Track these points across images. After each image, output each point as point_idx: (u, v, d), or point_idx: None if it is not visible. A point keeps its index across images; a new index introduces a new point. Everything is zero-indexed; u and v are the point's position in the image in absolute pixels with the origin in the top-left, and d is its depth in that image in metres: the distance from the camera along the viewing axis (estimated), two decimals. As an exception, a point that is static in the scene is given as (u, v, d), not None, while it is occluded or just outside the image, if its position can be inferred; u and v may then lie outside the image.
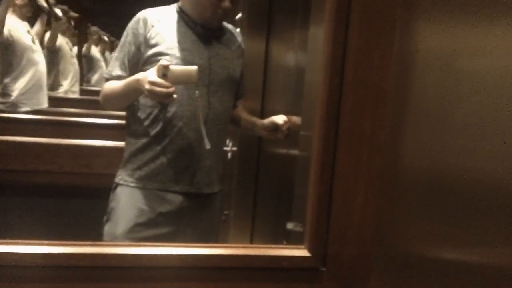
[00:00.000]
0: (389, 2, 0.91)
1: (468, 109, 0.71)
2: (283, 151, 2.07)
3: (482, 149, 0.67)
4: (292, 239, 1.20)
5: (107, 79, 1.76)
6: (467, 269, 0.70)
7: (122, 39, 1.75)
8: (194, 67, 1.53)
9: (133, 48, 1.70)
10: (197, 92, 1.64)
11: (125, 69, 1.72)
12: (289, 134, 1.78)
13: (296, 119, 1.75)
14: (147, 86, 1.51)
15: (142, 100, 1.70)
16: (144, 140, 1.72)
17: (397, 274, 0.94)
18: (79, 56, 5.72)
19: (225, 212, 2.30)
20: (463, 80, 0.73)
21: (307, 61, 1.24)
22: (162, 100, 1.60)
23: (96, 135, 2.77)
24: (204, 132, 1.65)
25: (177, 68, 1.54)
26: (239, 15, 2.20)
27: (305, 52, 1.77)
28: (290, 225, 1.06)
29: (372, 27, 0.91)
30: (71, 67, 4.94)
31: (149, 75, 1.53)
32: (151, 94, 1.53)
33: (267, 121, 1.84)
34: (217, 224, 1.88)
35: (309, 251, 1.02)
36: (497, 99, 0.63)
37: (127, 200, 1.71)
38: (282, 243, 1.81)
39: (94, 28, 6.32)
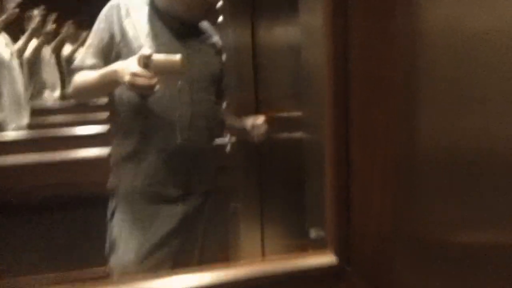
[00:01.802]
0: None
1: (485, 84, 0.62)
2: (285, 136, 1.97)
3: (501, 127, 0.58)
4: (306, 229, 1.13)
5: (79, 69, 1.59)
6: (492, 251, 0.64)
7: (95, 26, 1.59)
8: (178, 56, 1.39)
9: (106, 36, 1.55)
10: (179, 82, 1.52)
11: (97, 57, 1.56)
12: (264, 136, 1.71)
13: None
14: (127, 78, 1.36)
15: (119, 97, 1.57)
16: (129, 143, 1.60)
17: (419, 263, 0.87)
18: (59, 61, 5.52)
19: (233, 204, 2.22)
20: (477, 54, 0.64)
21: (302, 46, 1.14)
22: (144, 92, 1.44)
23: (83, 143, 2.66)
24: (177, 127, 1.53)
25: (160, 57, 1.38)
26: (219, 4, 2.07)
27: (295, 35, 1.66)
28: (312, 233, 0.98)
29: (371, 14, 0.81)
30: (52, 74, 4.78)
31: (130, 65, 1.38)
32: (132, 86, 1.37)
33: (243, 122, 1.78)
34: (220, 219, 1.78)
35: (335, 253, 0.95)
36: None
37: (129, 224, 1.59)
38: (294, 234, 1.74)
39: (69, 28, 6.03)
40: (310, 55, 1.02)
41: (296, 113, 1.66)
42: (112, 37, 1.54)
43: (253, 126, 1.71)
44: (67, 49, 5.58)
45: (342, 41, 0.78)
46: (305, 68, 1.07)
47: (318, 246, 0.98)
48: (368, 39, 0.79)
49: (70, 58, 5.62)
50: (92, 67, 1.56)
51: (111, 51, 1.55)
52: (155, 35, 1.54)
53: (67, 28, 5.34)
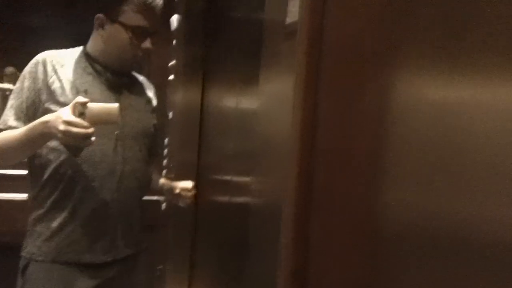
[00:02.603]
0: (358, 62, 0.81)
1: (454, 162, 0.62)
2: (222, 199, 1.92)
3: (468, 206, 0.58)
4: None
5: (1, 130, 1.42)
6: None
7: (18, 84, 1.45)
8: (115, 105, 1.31)
9: (31, 95, 1.41)
10: (116, 133, 1.43)
11: (21, 119, 1.42)
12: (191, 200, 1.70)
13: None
14: (61, 127, 1.24)
15: (45, 156, 1.42)
16: (48, 205, 1.44)
17: None
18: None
19: (159, 267, 2.10)
20: (447, 131, 0.64)
21: (261, 114, 1.12)
22: (79, 144, 1.31)
23: (15, 187, 2.46)
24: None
25: (96, 105, 1.29)
26: (172, 63, 2.05)
27: (245, 101, 1.66)
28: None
29: (340, 88, 0.81)
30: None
31: (64, 114, 1.26)
32: (67, 136, 1.25)
33: (172, 184, 1.73)
34: (140, 284, 1.64)
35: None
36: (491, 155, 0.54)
37: (43, 284, 1.42)
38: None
39: (10, 69, 5.85)
40: (270, 123, 1.00)
41: (241, 179, 1.62)
42: (37, 95, 1.41)
43: (181, 190, 1.66)
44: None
45: (311, 112, 0.77)
46: (262, 136, 1.05)
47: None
48: (336, 112, 0.79)
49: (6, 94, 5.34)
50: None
51: (36, 110, 1.41)
52: (85, 90, 1.41)
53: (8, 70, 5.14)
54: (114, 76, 1.50)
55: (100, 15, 1.46)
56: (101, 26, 1.47)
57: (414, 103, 0.69)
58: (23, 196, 2.29)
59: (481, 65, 0.57)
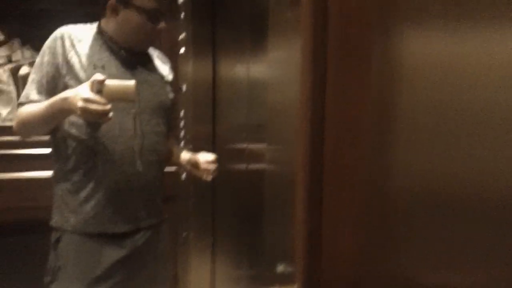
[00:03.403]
0: (363, 26, 0.80)
1: (461, 127, 0.61)
2: (239, 167, 1.94)
3: (473, 167, 0.57)
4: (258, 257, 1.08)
5: (23, 103, 1.46)
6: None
7: (38, 59, 1.47)
8: (132, 82, 1.32)
9: (51, 69, 1.43)
10: (133, 111, 1.44)
11: (43, 92, 1.44)
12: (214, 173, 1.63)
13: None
14: (80, 104, 1.26)
15: (67, 130, 1.45)
16: (74, 178, 1.47)
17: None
18: (16, 80, 5.27)
19: (185, 233, 2.14)
20: (452, 96, 0.63)
21: (270, 82, 1.11)
22: (97, 120, 1.33)
23: (39, 165, 2.50)
24: (137, 153, 1.46)
25: (113, 82, 1.30)
26: (182, 36, 2.04)
27: (255, 71, 1.65)
28: (280, 268, 0.93)
29: (348, 56, 0.79)
30: (7, 94, 4.55)
31: (82, 91, 1.28)
32: (85, 112, 1.27)
33: (193, 157, 1.67)
34: (165, 253, 1.68)
35: (303, 289, 0.89)
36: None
37: (75, 255, 1.47)
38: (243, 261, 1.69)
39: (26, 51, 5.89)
40: (280, 92, 1.00)
41: (256, 147, 1.63)
42: (57, 70, 1.43)
43: (204, 163, 1.64)
44: (24, 69, 5.37)
45: (319, 78, 0.76)
46: (273, 104, 1.05)
47: (285, 281, 0.93)
48: (344, 79, 0.78)
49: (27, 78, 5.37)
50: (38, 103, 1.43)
51: (57, 84, 1.43)
52: (102, 66, 1.44)
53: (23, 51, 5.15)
54: (129, 54, 1.50)
55: (112, 1, 1.45)
56: (115, 11, 1.46)
57: (419, 66, 0.68)
58: (46, 173, 2.34)
59: (486, 23, 0.56)
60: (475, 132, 0.58)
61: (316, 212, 0.81)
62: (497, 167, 0.54)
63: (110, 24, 1.49)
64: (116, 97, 1.30)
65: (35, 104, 1.43)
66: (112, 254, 1.49)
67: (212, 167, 1.62)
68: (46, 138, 1.52)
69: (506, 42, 0.52)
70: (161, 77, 1.61)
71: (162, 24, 1.46)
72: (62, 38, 1.44)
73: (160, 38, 1.57)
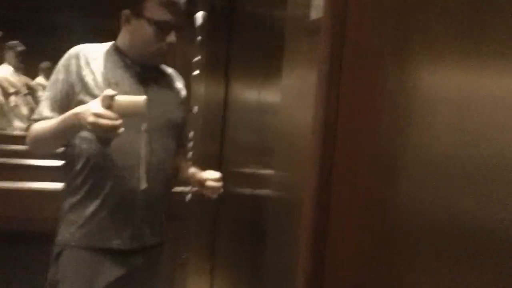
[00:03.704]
0: (379, 57, 0.80)
1: (475, 161, 0.60)
2: (243, 191, 1.92)
3: (479, 205, 0.56)
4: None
5: (36, 120, 1.47)
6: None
7: (53, 76, 1.48)
8: (143, 97, 1.30)
9: (65, 87, 1.44)
10: (143, 125, 1.44)
11: (56, 109, 1.45)
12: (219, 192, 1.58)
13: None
14: (90, 119, 1.26)
15: (78, 146, 1.45)
16: (82, 193, 1.46)
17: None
18: (32, 91, 5.35)
19: (184, 255, 2.11)
20: (467, 130, 0.62)
21: (282, 108, 1.11)
22: (107, 135, 1.33)
23: (46, 176, 2.50)
24: (143, 171, 1.45)
25: (123, 98, 1.30)
26: (196, 58, 2.06)
27: (267, 95, 1.65)
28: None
29: (361, 84, 0.79)
30: (24, 104, 4.61)
31: (93, 106, 1.28)
32: (95, 127, 1.27)
33: (199, 174, 1.63)
34: (164, 273, 1.65)
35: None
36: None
37: (75, 269, 1.45)
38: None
39: (45, 64, 5.99)
40: (290, 118, 1.00)
41: (263, 172, 1.62)
42: (71, 87, 1.44)
43: (210, 181, 1.62)
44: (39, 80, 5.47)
45: (333, 107, 0.76)
46: (284, 130, 1.04)
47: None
48: (356, 109, 0.78)
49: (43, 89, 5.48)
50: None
51: (71, 101, 1.43)
52: (116, 83, 1.45)
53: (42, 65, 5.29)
54: (143, 69, 1.51)
55: (125, 10, 1.47)
56: (127, 21, 1.48)
57: (433, 99, 0.68)
58: (54, 185, 2.33)
59: (504, 56, 0.55)
60: (488, 175, 0.57)
61: (321, 245, 0.80)
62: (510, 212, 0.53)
63: (123, 38, 1.51)
64: (126, 112, 1.29)
65: (46, 121, 1.44)
66: (111, 271, 1.47)
67: (218, 185, 1.60)
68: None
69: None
70: (174, 94, 1.61)
71: (172, 37, 1.46)
72: (76, 57, 1.46)
73: (173, 55, 1.57)
